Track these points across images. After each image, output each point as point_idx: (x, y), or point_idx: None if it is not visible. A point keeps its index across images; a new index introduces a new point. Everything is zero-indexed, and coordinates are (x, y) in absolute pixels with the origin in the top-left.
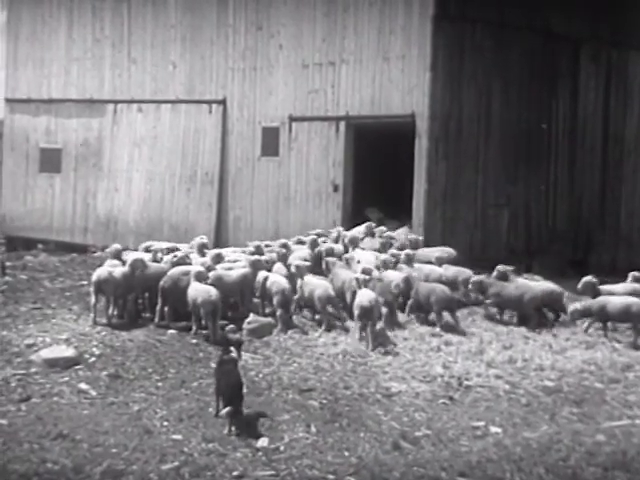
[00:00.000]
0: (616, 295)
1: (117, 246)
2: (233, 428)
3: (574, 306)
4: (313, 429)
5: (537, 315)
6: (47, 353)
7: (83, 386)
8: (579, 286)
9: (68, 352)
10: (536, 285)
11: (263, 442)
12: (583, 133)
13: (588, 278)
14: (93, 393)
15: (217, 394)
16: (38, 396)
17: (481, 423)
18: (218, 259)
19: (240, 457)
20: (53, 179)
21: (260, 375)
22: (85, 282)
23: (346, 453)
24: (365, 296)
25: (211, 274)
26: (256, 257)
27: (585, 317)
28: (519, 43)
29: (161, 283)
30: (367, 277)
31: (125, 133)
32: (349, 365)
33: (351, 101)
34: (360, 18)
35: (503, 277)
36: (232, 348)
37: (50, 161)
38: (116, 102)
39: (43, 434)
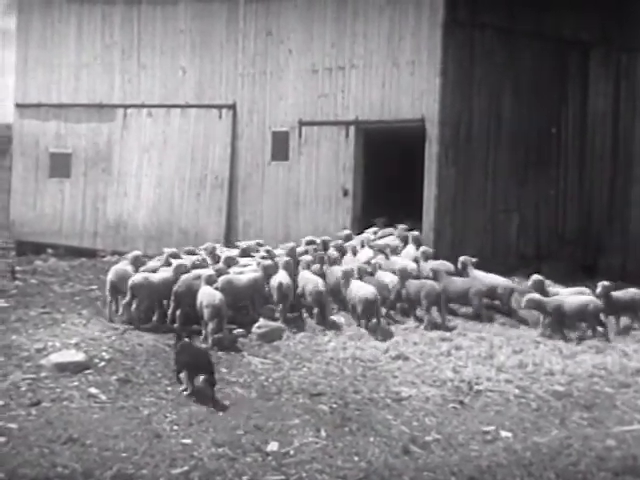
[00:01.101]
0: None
1: (137, 253)
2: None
3: (531, 295)
4: (323, 433)
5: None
6: (57, 357)
7: (93, 390)
8: (529, 283)
9: (78, 356)
10: (483, 278)
11: (273, 446)
12: (593, 137)
13: (536, 276)
14: (103, 397)
15: (177, 373)
16: (48, 400)
17: (491, 427)
18: (229, 262)
19: (250, 461)
20: (63, 184)
21: (270, 380)
22: (95, 286)
23: (356, 457)
24: (368, 290)
25: (220, 278)
26: (269, 262)
27: (538, 309)
28: (529, 48)
29: (175, 287)
30: (368, 268)
31: (135, 138)
32: (359, 369)
33: (361, 106)
34: (370, 23)
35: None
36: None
37: (60, 166)
38: (126, 107)
39: (53, 438)
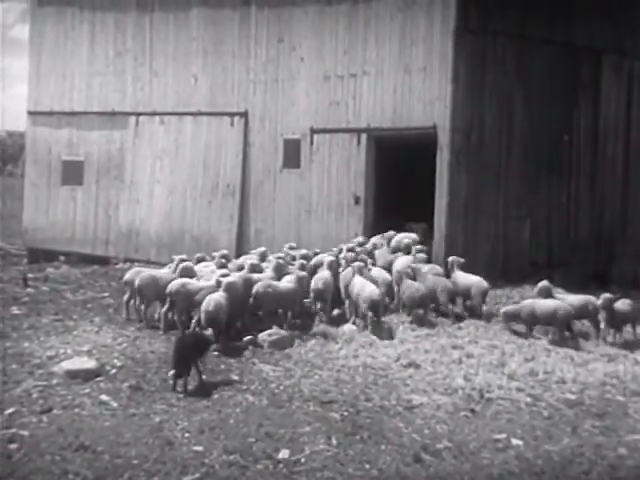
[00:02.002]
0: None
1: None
2: (179, 388)
3: (506, 308)
4: (334, 441)
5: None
6: (68, 365)
7: (104, 398)
8: (535, 290)
9: (89, 364)
10: (462, 279)
11: (284, 454)
12: (604, 144)
13: (543, 283)
14: (114, 405)
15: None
16: (59, 407)
17: (503, 436)
18: (255, 269)
19: (261, 469)
20: (75, 191)
21: (281, 387)
22: (107, 294)
23: (367, 465)
24: (373, 290)
25: (259, 284)
26: (304, 274)
27: (515, 319)
28: (540, 55)
29: (197, 296)
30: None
31: (147, 145)
32: (370, 377)
33: (372, 113)
34: (381, 30)
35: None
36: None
37: (72, 173)
38: (138, 114)
39: (64, 445)
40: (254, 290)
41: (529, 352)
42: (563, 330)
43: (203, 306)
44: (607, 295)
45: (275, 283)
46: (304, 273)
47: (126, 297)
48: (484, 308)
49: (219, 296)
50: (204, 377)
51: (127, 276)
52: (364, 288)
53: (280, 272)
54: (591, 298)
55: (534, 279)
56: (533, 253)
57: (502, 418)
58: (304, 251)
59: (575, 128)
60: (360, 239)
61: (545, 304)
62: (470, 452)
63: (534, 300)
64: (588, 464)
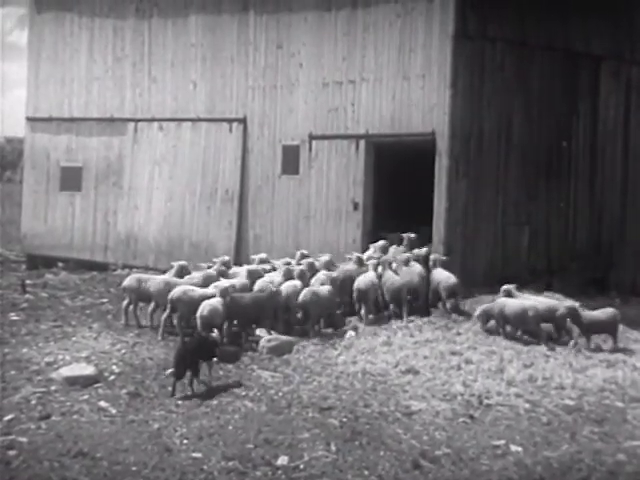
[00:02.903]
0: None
1: (183, 263)
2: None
3: (480, 308)
4: (333, 447)
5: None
6: (67, 371)
7: (103, 404)
8: (500, 293)
9: (88, 370)
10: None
11: (283, 460)
12: (603, 150)
13: (506, 286)
14: (113, 411)
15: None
16: (58, 414)
17: (501, 442)
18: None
19: (260, 475)
20: (74, 197)
21: (280, 393)
22: (105, 300)
23: (366, 472)
24: (361, 280)
25: (305, 290)
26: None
27: (490, 319)
28: (539, 61)
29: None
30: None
31: (145, 151)
32: (369, 383)
33: (371, 119)
34: (380, 37)
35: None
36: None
37: (71, 179)
38: (137, 121)
39: (63, 452)
40: (301, 298)
41: (528, 358)
42: (537, 331)
43: (199, 311)
44: (569, 304)
45: (317, 289)
46: (336, 274)
47: (125, 303)
48: (462, 307)
49: (215, 301)
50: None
51: (126, 282)
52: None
53: (305, 279)
54: (558, 304)
55: (533, 285)
56: (532, 259)
57: (501, 424)
58: (310, 259)
59: (574, 134)
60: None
61: (515, 304)
62: (469, 458)
63: (505, 299)
64: (587, 470)
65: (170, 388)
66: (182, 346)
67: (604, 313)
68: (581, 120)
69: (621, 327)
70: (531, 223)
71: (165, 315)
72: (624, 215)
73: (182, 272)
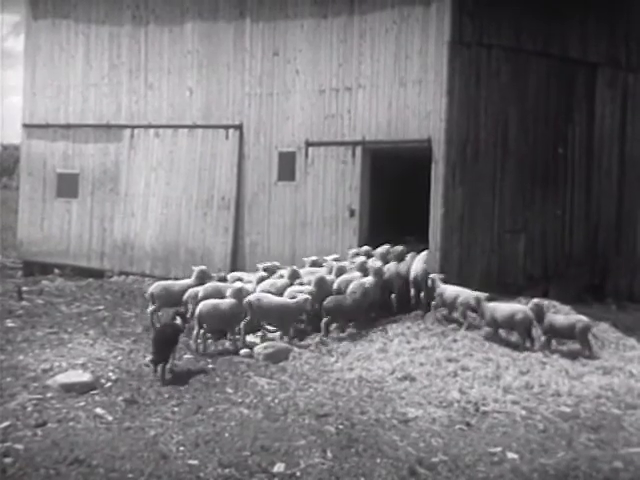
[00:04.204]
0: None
1: (203, 268)
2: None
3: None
4: (329, 454)
5: None
6: (63, 378)
7: (99, 411)
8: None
9: (84, 377)
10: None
11: (279, 467)
12: (599, 158)
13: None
14: (109, 418)
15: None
16: (54, 421)
17: (498, 449)
18: (342, 271)
19: None
20: (70, 204)
21: (276, 400)
22: (101, 306)
23: (362, 479)
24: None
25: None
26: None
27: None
28: (535, 68)
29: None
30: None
31: (142, 158)
32: (365, 390)
33: (367, 126)
34: (376, 43)
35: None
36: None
37: (67, 186)
38: (133, 127)
39: (59, 459)
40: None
41: (524, 365)
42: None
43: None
44: (536, 300)
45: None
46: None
47: (151, 309)
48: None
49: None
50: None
51: (151, 289)
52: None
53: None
54: (521, 308)
55: (529, 292)
56: (528, 266)
57: (497, 431)
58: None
59: (570, 141)
60: (353, 250)
61: (461, 295)
62: (465, 465)
63: (445, 286)
64: (583, 477)
65: (158, 375)
66: (160, 332)
67: (567, 319)
68: (577, 127)
69: (618, 334)
70: (527, 230)
71: (244, 322)
72: (620, 222)
73: (203, 277)
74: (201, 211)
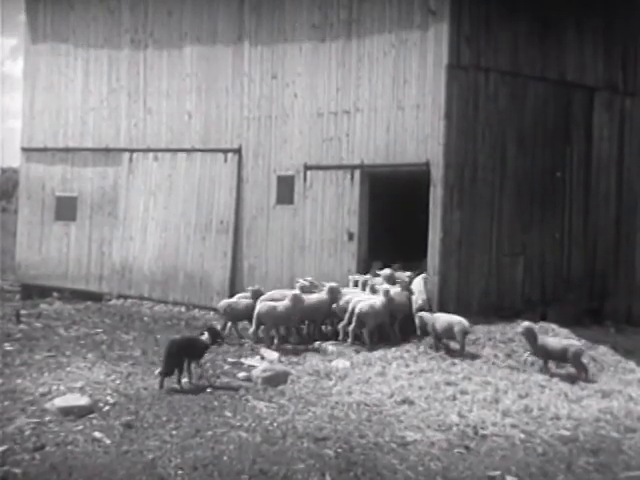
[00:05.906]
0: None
1: (257, 287)
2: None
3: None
4: (328, 478)
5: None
6: (61, 401)
7: (97, 434)
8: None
9: (82, 400)
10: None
11: None
12: (597, 181)
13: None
14: (107, 442)
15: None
16: (52, 445)
17: (497, 472)
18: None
19: None
20: (68, 227)
21: (275, 424)
22: (100, 330)
23: None
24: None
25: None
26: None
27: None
28: (533, 91)
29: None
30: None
31: (141, 182)
32: (364, 414)
33: (366, 150)
34: (374, 67)
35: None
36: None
37: (66, 209)
38: (132, 151)
39: None
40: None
41: (523, 388)
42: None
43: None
44: (526, 324)
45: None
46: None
47: (222, 323)
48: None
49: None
50: (203, 382)
51: (221, 304)
52: None
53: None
54: (459, 319)
55: (528, 315)
56: (527, 289)
57: (497, 455)
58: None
59: (568, 164)
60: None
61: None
62: None
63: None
64: None
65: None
66: (170, 344)
67: (560, 343)
68: (575, 150)
69: (617, 357)
70: (526, 253)
71: (352, 327)
72: (618, 245)
73: (258, 295)
74: (200, 235)
